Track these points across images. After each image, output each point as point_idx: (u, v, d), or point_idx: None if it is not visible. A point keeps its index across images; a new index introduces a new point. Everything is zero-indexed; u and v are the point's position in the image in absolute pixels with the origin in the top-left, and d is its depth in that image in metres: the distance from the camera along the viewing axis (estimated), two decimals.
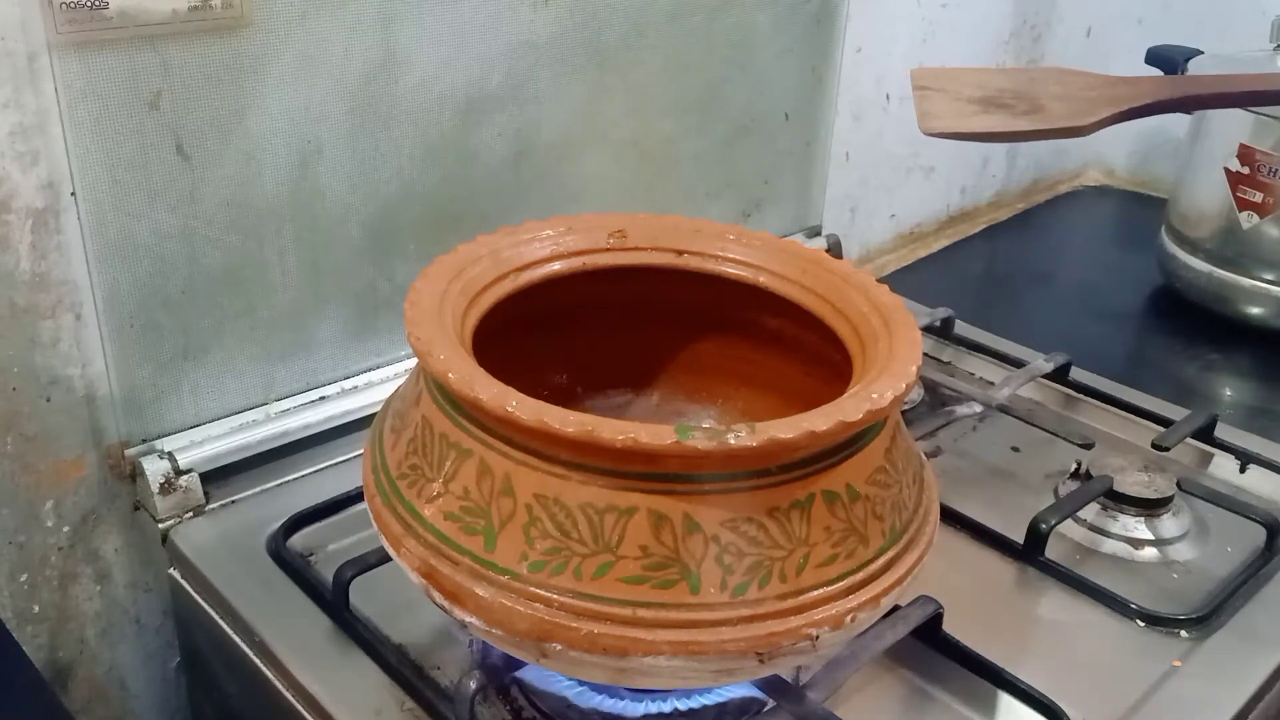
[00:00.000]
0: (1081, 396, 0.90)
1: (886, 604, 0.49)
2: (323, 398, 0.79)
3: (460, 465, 0.48)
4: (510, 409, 0.44)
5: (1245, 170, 1.00)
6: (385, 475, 0.51)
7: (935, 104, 0.58)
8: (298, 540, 0.69)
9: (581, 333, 0.65)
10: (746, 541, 0.45)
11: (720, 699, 0.56)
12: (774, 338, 0.65)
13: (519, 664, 0.55)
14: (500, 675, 0.56)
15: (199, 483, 0.72)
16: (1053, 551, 0.70)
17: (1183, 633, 0.65)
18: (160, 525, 0.71)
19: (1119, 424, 0.87)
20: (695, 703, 0.55)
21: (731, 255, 0.62)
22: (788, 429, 0.44)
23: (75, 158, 0.63)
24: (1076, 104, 0.55)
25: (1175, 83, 0.56)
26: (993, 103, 0.57)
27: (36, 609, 0.72)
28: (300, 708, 0.59)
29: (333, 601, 0.62)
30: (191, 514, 0.72)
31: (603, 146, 0.91)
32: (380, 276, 0.80)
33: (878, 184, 1.24)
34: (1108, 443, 0.84)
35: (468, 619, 0.47)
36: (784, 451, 0.45)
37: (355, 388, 0.81)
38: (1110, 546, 0.73)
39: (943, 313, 0.99)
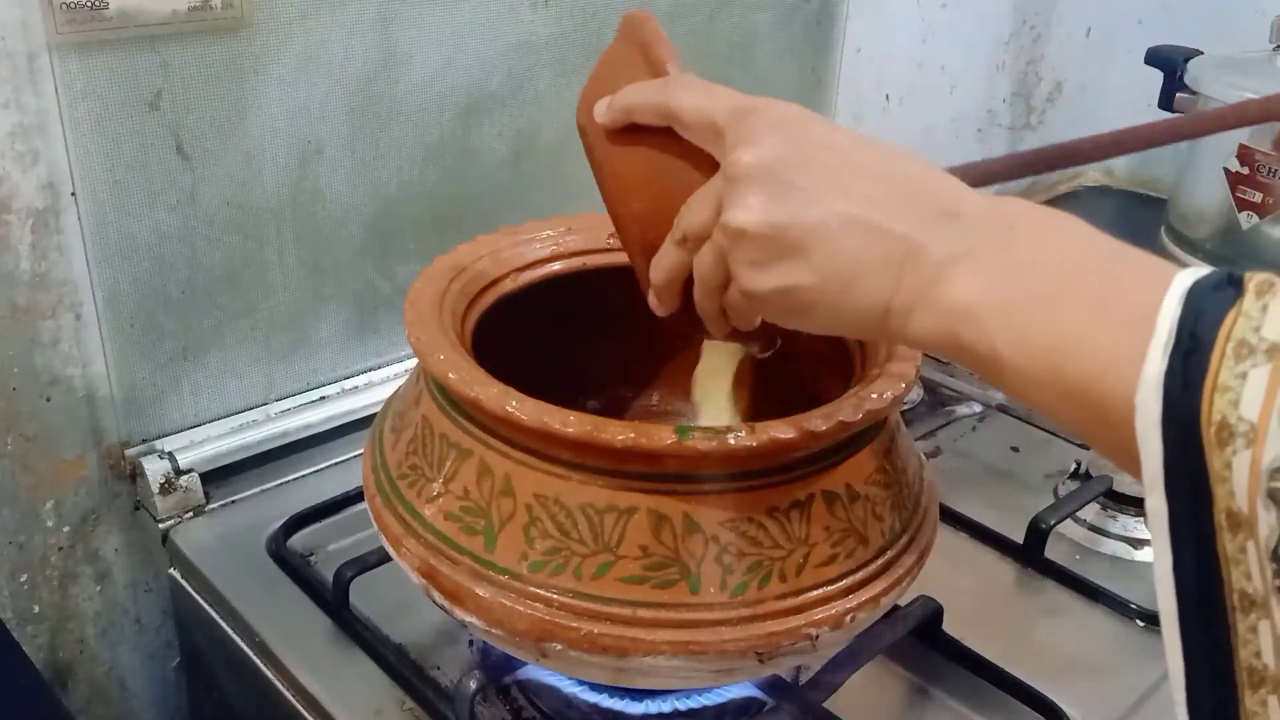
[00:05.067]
0: None
1: (886, 604, 0.49)
2: (323, 398, 0.79)
3: (460, 465, 0.48)
4: (510, 409, 0.44)
5: (1245, 170, 0.99)
6: (385, 475, 0.51)
7: None
8: (298, 540, 0.69)
9: (582, 333, 0.65)
10: (746, 541, 0.45)
11: (720, 699, 0.56)
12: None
13: (519, 664, 0.55)
14: (500, 675, 0.56)
15: (199, 483, 0.72)
16: (1052, 551, 0.70)
17: None
18: (160, 525, 0.71)
19: None
20: (695, 703, 0.55)
21: None
22: (788, 429, 0.44)
23: (75, 158, 0.63)
24: None
25: None
26: None
27: (36, 609, 0.72)
28: (300, 708, 0.59)
29: (333, 601, 0.62)
30: (191, 514, 0.72)
31: None
32: (380, 276, 0.80)
33: None
34: None
35: (468, 619, 0.47)
36: (784, 451, 0.45)
37: (355, 388, 0.81)
38: (1110, 546, 0.73)
39: None
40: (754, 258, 0.39)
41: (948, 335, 0.37)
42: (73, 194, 0.64)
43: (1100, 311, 0.34)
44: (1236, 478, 0.29)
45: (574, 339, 0.65)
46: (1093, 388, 0.33)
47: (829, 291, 0.38)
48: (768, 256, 0.39)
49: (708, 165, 0.42)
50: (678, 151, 0.44)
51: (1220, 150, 1.02)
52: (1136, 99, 1.17)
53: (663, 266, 0.45)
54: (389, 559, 0.51)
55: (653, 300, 0.47)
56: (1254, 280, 0.31)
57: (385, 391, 0.67)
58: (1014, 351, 0.35)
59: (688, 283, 0.45)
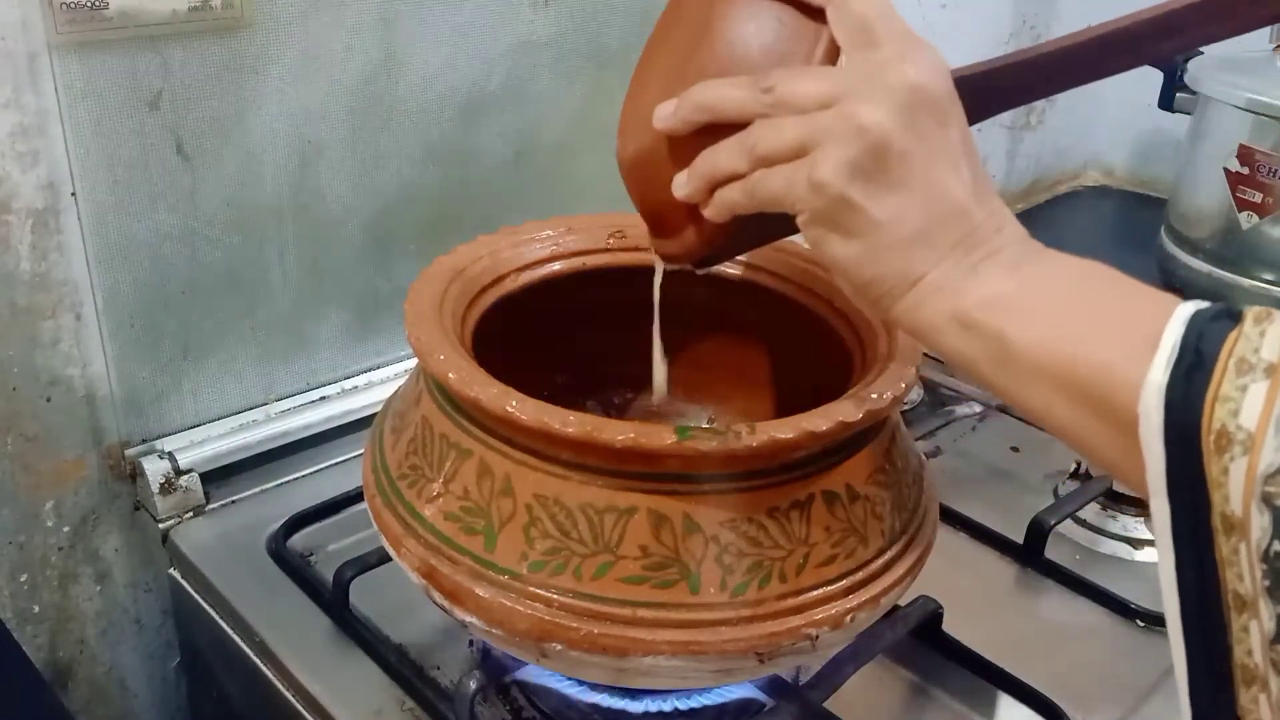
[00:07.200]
0: None
1: (886, 604, 0.49)
2: (323, 398, 0.79)
3: (460, 465, 0.48)
4: (510, 409, 0.44)
5: (1245, 170, 0.99)
6: (385, 475, 0.51)
7: None
8: (298, 540, 0.69)
9: (581, 333, 0.65)
10: (746, 541, 0.45)
11: (720, 699, 0.56)
12: (773, 337, 0.65)
13: (519, 664, 0.55)
14: (500, 675, 0.56)
15: (199, 483, 0.72)
16: (1053, 551, 0.70)
17: None
18: (160, 525, 0.71)
19: None
20: (695, 703, 0.55)
21: None
22: (788, 429, 0.44)
23: (75, 158, 0.63)
24: None
25: None
26: None
27: (36, 609, 0.72)
28: (300, 708, 0.59)
29: (333, 601, 0.62)
30: (191, 514, 0.72)
31: (603, 146, 0.90)
32: (380, 277, 0.80)
33: None
34: None
35: (468, 619, 0.47)
36: (784, 451, 0.45)
37: (355, 388, 0.81)
38: (1110, 546, 0.73)
39: None
40: (854, 158, 0.38)
41: (959, 319, 0.39)
42: (73, 194, 0.64)
43: (1112, 316, 0.37)
44: (1232, 483, 0.31)
45: (574, 339, 0.65)
46: (1096, 380, 0.35)
47: (886, 233, 0.39)
48: (866, 163, 0.38)
49: (805, 58, 0.43)
50: (790, 32, 0.43)
51: (1220, 150, 1.02)
52: (1136, 99, 1.17)
53: (718, 93, 0.42)
54: (389, 559, 0.51)
55: (664, 109, 0.44)
56: (1251, 311, 0.33)
57: (385, 391, 0.67)
58: (1023, 338, 0.37)
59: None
